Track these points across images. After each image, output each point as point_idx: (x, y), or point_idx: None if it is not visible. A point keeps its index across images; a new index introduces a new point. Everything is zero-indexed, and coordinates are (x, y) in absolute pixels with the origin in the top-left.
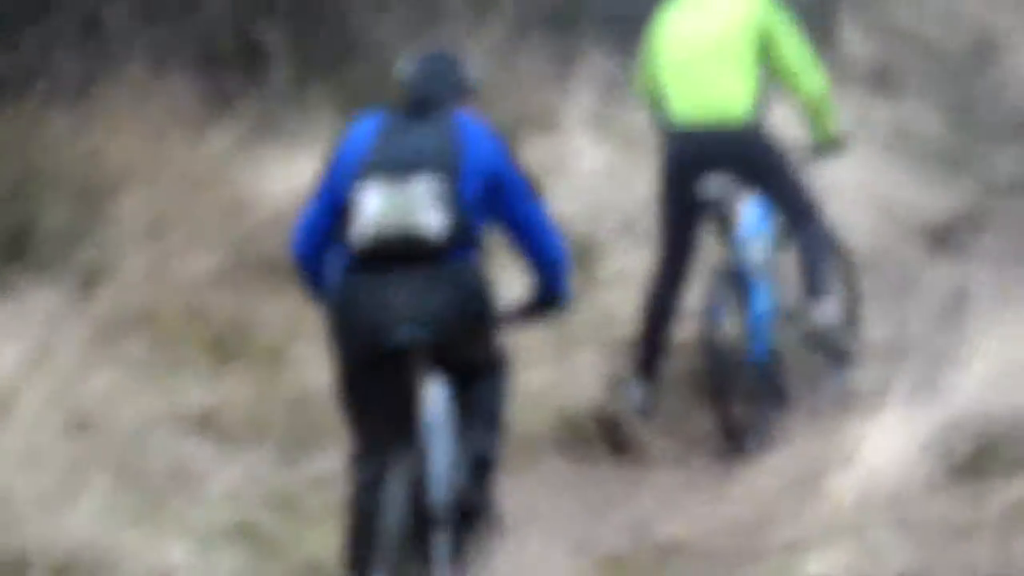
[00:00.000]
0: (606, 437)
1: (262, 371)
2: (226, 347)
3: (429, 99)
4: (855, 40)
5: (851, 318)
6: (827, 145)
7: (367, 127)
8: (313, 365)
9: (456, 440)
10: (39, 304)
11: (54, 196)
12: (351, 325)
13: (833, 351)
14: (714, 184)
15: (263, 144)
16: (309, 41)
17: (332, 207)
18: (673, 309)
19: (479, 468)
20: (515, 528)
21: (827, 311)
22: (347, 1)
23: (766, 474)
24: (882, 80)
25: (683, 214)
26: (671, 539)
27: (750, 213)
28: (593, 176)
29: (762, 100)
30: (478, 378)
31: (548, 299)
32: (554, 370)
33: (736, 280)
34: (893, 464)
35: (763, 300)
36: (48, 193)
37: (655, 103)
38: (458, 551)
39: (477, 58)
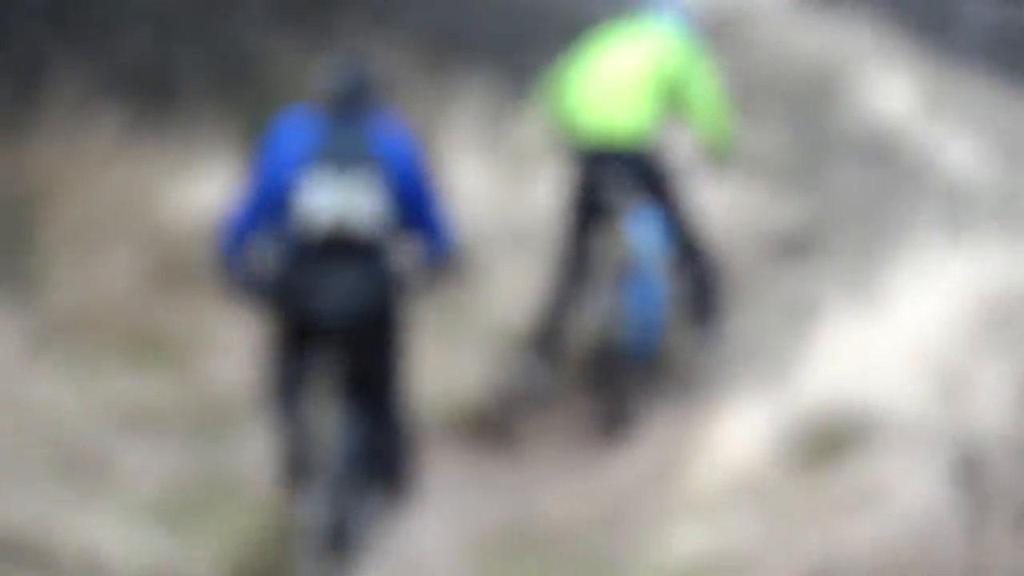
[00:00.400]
0: (493, 424)
1: (179, 367)
2: (148, 347)
3: (353, 103)
4: (721, 75)
5: (722, 320)
6: (722, 159)
7: (296, 127)
8: (223, 362)
9: (350, 422)
10: None
11: None
12: (294, 306)
13: (711, 356)
14: (610, 194)
15: (179, 162)
16: (212, 61)
17: (266, 203)
18: (572, 302)
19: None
20: (408, 509)
21: (720, 341)
22: (245, 26)
23: (637, 459)
24: (743, 111)
25: (583, 220)
26: (550, 518)
27: (641, 223)
28: (475, 192)
29: (660, 130)
30: (381, 360)
31: (440, 261)
32: (443, 370)
33: (625, 282)
34: (748, 450)
35: (649, 301)
36: None
37: (564, 125)
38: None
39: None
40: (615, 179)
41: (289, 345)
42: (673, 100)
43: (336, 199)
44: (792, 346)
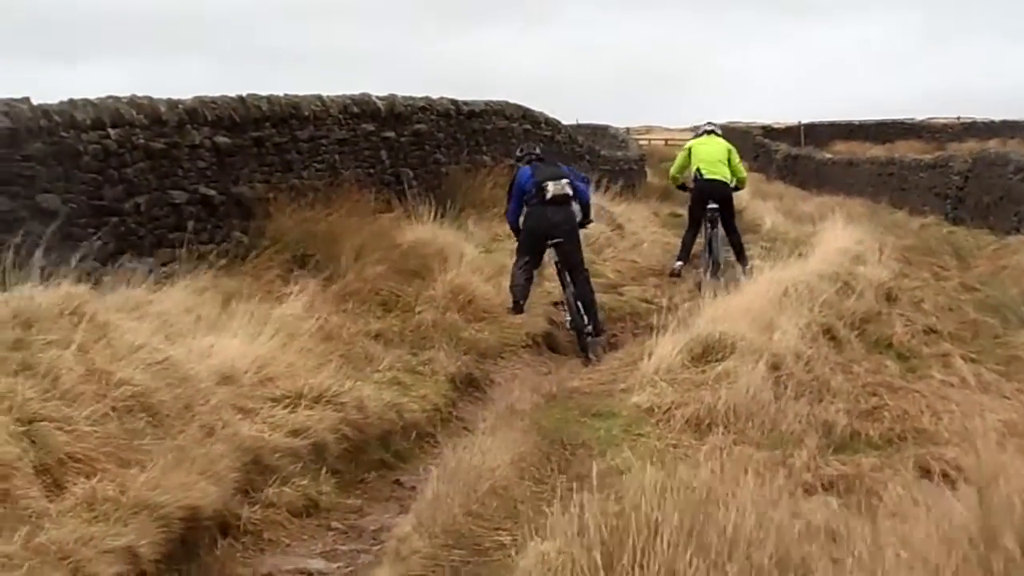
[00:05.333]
0: (548, 344)
1: (404, 315)
2: (387, 305)
3: (545, 157)
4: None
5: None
6: (740, 187)
7: (525, 170)
8: (427, 311)
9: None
10: (310, 286)
11: (316, 242)
12: (534, 223)
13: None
14: (712, 208)
15: (403, 220)
16: (422, 174)
17: (520, 199)
18: (693, 242)
19: (591, 296)
20: (505, 383)
21: (749, 268)
22: (437, 155)
23: (621, 358)
24: (664, 195)
25: (699, 213)
26: (574, 388)
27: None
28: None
29: (731, 176)
30: (579, 258)
31: (586, 220)
32: (524, 317)
33: (713, 236)
34: (668, 356)
35: (718, 248)
36: (314, 241)
37: (685, 172)
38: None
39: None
40: (714, 197)
41: (526, 244)
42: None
43: (556, 186)
44: (693, 309)
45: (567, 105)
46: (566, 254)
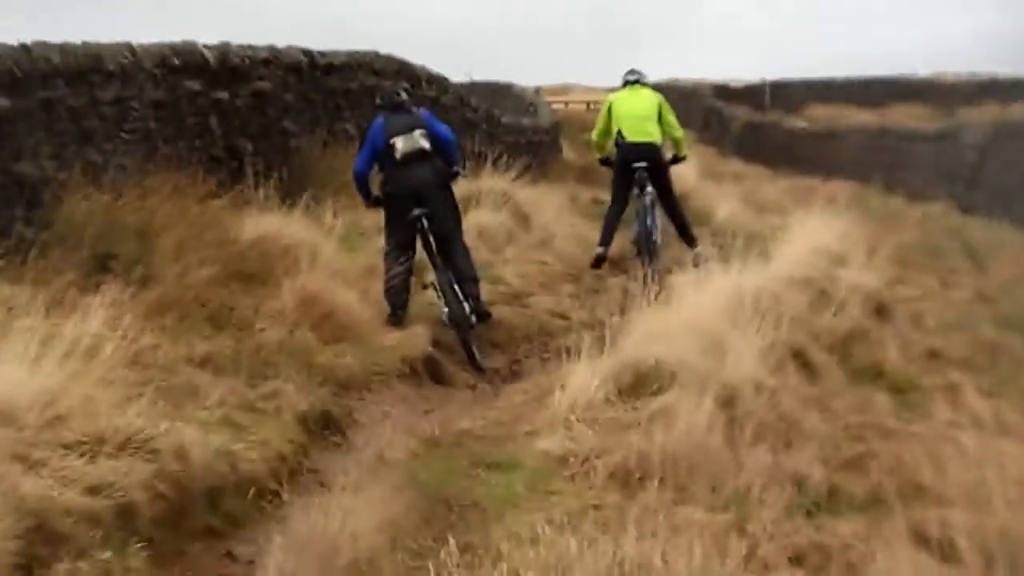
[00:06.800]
0: (431, 372)
1: (241, 333)
2: (218, 321)
3: (403, 105)
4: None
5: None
6: (680, 158)
7: (379, 121)
8: (271, 328)
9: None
10: (115, 295)
11: (123, 237)
12: (394, 187)
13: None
14: (640, 168)
15: (240, 208)
16: (265, 148)
17: (372, 153)
18: (617, 221)
19: (472, 271)
20: (373, 424)
21: (700, 253)
22: (284, 125)
23: (519, 393)
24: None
25: (625, 179)
26: (464, 430)
27: (651, 185)
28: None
29: (662, 136)
30: (454, 228)
31: (455, 170)
32: (400, 336)
33: (645, 208)
34: (587, 388)
35: (653, 224)
36: (121, 235)
37: (609, 137)
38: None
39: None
40: (642, 160)
41: (392, 216)
42: (660, 120)
43: (406, 142)
44: (621, 325)
45: (477, 62)
46: (436, 221)
